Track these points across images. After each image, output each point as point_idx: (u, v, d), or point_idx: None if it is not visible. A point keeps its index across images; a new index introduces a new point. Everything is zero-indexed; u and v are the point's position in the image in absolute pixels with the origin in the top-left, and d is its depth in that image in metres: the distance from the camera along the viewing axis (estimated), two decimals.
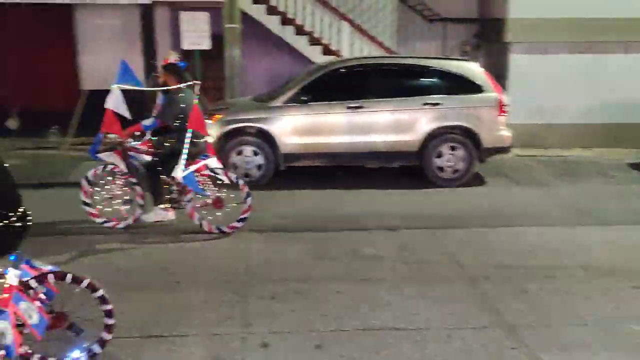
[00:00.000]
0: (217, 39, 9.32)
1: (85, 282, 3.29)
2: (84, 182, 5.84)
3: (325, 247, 5.46)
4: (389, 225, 6.09)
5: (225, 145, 7.46)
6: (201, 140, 5.75)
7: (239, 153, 7.52)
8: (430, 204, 7.02)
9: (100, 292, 3.32)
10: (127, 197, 5.90)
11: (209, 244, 5.53)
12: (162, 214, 5.85)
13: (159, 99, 6.01)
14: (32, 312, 3.08)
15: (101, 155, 5.76)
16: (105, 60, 10.38)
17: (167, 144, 5.71)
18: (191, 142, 5.45)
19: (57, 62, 10.60)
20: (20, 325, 3.08)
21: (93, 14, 10.61)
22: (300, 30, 10.30)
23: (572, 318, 4.08)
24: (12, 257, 3.19)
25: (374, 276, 4.78)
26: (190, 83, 5.70)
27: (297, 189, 7.54)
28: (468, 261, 5.12)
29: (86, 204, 5.84)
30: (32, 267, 3.33)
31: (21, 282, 3.14)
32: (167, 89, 5.86)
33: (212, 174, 5.80)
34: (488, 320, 4.05)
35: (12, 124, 10.39)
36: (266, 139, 7.51)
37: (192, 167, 5.60)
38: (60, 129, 9.93)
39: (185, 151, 5.41)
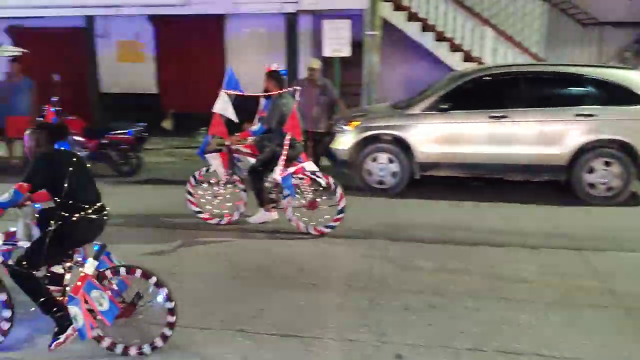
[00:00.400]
0: (357, 45, 9.45)
1: (153, 279, 3.48)
2: (191, 180, 6.32)
3: (461, 261, 5.28)
4: (530, 243, 5.74)
5: (361, 152, 7.54)
6: (298, 144, 5.95)
7: (374, 160, 7.54)
8: (577, 222, 6.50)
9: (165, 290, 3.47)
10: (230, 196, 6.30)
11: (342, 249, 5.61)
12: (267, 215, 6.11)
13: (263, 105, 6.30)
14: (102, 300, 3.38)
15: (207, 156, 6.20)
16: (251, 67, 11.01)
17: (268, 148, 6.00)
18: (290, 146, 5.68)
19: (209, 68, 11.42)
20: (92, 311, 3.36)
21: (241, 23, 11.29)
22: (440, 37, 10.11)
23: None
24: (95, 247, 3.53)
25: (515, 296, 4.53)
26: (291, 89, 5.93)
27: (432, 199, 7.39)
28: (622, 288, 4.67)
29: (191, 202, 6.34)
30: (111, 259, 3.66)
31: (97, 272, 3.44)
32: (269, 95, 6.09)
33: (312, 176, 5.96)
34: None
35: (167, 124, 11.39)
36: (402, 147, 7.45)
37: (290, 170, 5.84)
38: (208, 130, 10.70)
39: (283, 154, 5.66)
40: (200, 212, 6.36)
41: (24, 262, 3.41)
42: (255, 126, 6.17)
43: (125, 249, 5.02)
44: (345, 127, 7.68)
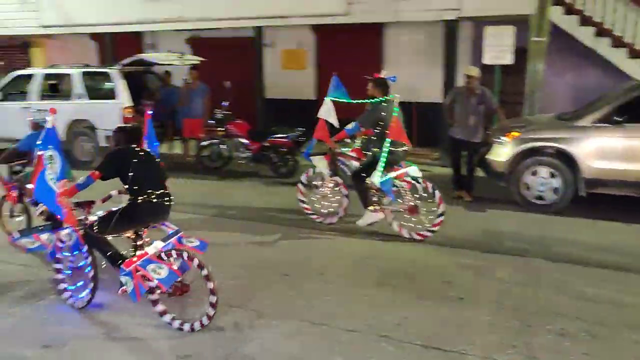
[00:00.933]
0: (519, 52, 9.00)
1: (205, 272, 3.96)
2: (299, 184, 6.77)
3: (627, 289, 4.80)
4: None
5: (519, 164, 7.17)
6: (399, 149, 5.97)
7: (534, 173, 7.12)
8: None
9: (209, 275, 3.99)
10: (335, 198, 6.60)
11: (494, 265, 5.38)
12: (373, 216, 6.10)
13: None
14: (160, 270, 3.95)
15: (313, 158, 6.58)
16: (409, 74, 11.04)
17: (370, 152, 6.11)
18: (390, 151, 5.73)
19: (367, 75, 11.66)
20: (147, 279, 3.96)
21: (400, 31, 11.35)
22: (618, 42, 9.22)
23: None
24: (170, 232, 4.31)
25: None
26: (393, 97, 5.95)
27: (598, 219, 6.77)
28: None
29: (302, 202, 6.77)
30: (180, 242, 4.23)
31: (160, 252, 4.06)
32: (372, 101, 6.15)
33: (413, 182, 6.00)
34: None
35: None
36: (566, 161, 6.94)
37: (392, 174, 5.97)
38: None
39: (383, 158, 5.74)
40: (313, 214, 6.73)
41: (95, 227, 4.27)
42: (351, 125, 6.31)
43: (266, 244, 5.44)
44: (503, 138, 7.36)
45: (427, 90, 10.89)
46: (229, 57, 12.52)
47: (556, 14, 9.19)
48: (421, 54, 11.24)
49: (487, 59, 9.20)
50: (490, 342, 3.93)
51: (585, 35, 9.34)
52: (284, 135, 8.96)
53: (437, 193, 5.97)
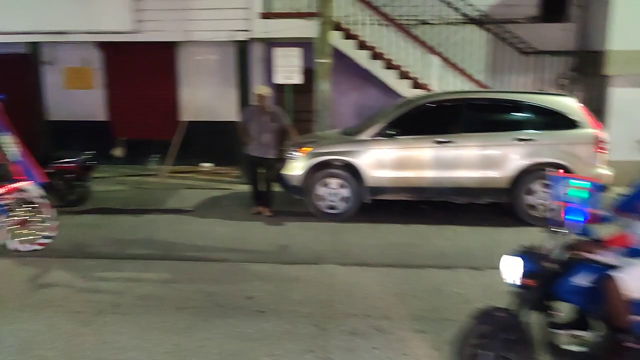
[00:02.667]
0: (308, 73, 9.60)
1: None
2: None
3: (408, 283, 5.39)
4: (475, 264, 5.91)
5: (312, 177, 7.63)
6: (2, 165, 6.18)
7: (325, 185, 7.64)
8: (519, 242, 6.72)
9: None
10: None
11: (294, 274, 5.61)
12: None
13: None
14: None
15: None
16: (204, 94, 11.03)
17: None
18: None
19: (161, 95, 11.35)
20: None
21: (193, 51, 11.31)
22: (389, 64, 10.39)
23: None
24: None
25: (459, 317, 4.63)
26: None
27: (382, 222, 7.52)
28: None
29: None
30: None
31: None
32: None
33: (24, 195, 6.21)
34: None
35: (117, 152, 11.22)
36: (352, 172, 7.59)
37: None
38: (161, 157, 10.63)
39: None
40: None
41: None
42: None
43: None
44: (296, 153, 7.76)
45: (223, 110, 10.99)
46: (3, 76, 11.17)
47: (337, 39, 10.02)
48: (216, 73, 11.33)
49: (278, 79, 9.63)
50: (290, 350, 4.08)
51: (362, 58, 10.34)
52: (71, 160, 8.25)
53: (42, 200, 6.19)
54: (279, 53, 9.62)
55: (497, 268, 5.66)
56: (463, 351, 3.35)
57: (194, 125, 10.83)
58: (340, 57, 10.21)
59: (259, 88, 7.89)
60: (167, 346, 4.13)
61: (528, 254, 3.34)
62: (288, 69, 9.59)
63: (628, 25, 9.54)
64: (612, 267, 3.16)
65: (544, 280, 3.28)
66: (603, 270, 3.15)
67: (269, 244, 6.68)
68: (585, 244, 3.28)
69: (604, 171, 7.39)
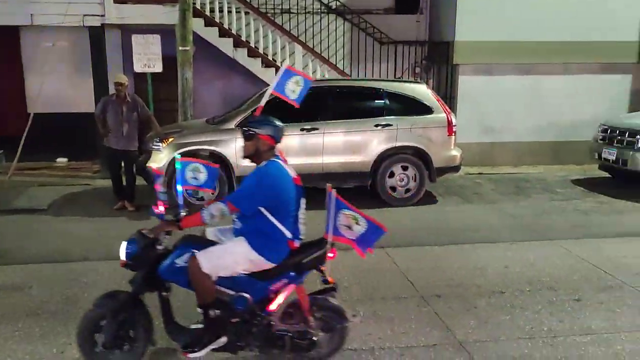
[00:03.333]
0: (170, 61, 9.27)
1: None
2: None
3: None
4: (342, 246, 6.11)
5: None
6: None
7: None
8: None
9: None
10: None
11: None
12: None
13: None
14: None
15: None
16: (55, 83, 10.19)
17: None
18: None
19: (3, 85, 10.31)
20: None
21: (39, 36, 10.39)
22: (253, 53, 10.36)
23: (519, 332, 4.19)
24: None
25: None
26: None
27: None
28: (420, 280, 5.21)
29: None
30: None
31: None
32: None
33: None
34: (439, 337, 4.12)
35: None
36: (220, 162, 7.45)
37: None
38: (5, 153, 9.64)
39: None
40: None
41: None
42: None
43: None
44: (159, 145, 7.47)
45: (77, 100, 10.29)
46: None
47: (198, 26, 9.77)
48: (68, 61, 10.54)
49: (137, 67, 9.18)
50: None
51: (226, 46, 10.20)
52: None
53: None
54: (138, 40, 9.17)
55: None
56: (84, 337, 3.44)
57: (46, 117, 9.97)
58: (203, 45, 9.99)
59: (117, 76, 7.46)
60: (21, 355, 3.79)
61: (137, 238, 3.48)
62: (148, 57, 9.18)
63: (473, 17, 10.43)
64: (203, 246, 3.42)
65: (146, 262, 3.45)
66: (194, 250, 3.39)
67: None
68: (166, 224, 3.46)
69: (455, 152, 8.02)
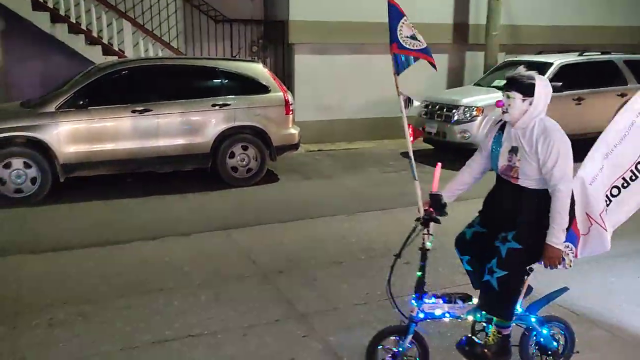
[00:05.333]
0: None
1: None
2: None
3: (112, 261, 5.11)
4: (183, 230, 5.93)
5: None
6: None
7: (7, 166, 6.65)
8: (224, 204, 7.02)
9: None
10: None
11: None
12: None
13: None
14: None
15: None
16: None
17: None
18: None
19: None
20: None
21: None
22: (75, 28, 9.47)
23: (356, 299, 4.40)
24: None
25: (167, 286, 4.61)
26: None
27: (80, 201, 6.94)
28: (262, 258, 5.23)
29: None
30: None
31: None
32: None
33: None
34: (281, 313, 4.17)
35: None
36: (39, 149, 6.76)
37: None
38: None
39: None
40: None
41: None
42: None
43: None
44: None
45: None
46: None
47: None
48: None
49: None
50: None
51: (41, 21, 9.20)
52: None
53: None
54: None
55: (206, 231, 5.87)
56: None
57: None
58: (14, 19, 8.89)
59: None
60: None
61: None
62: None
63: None
64: None
65: None
66: None
67: None
68: None
69: (294, 130, 8.15)
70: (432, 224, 3.05)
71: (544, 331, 3.24)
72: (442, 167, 3.12)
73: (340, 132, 11.24)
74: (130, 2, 10.30)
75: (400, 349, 3.10)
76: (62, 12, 9.41)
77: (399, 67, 3.68)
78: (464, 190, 3.35)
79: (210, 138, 7.53)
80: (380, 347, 3.14)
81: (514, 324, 3.22)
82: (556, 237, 2.93)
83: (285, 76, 10.93)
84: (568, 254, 3.23)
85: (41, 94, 8.22)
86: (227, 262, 5.14)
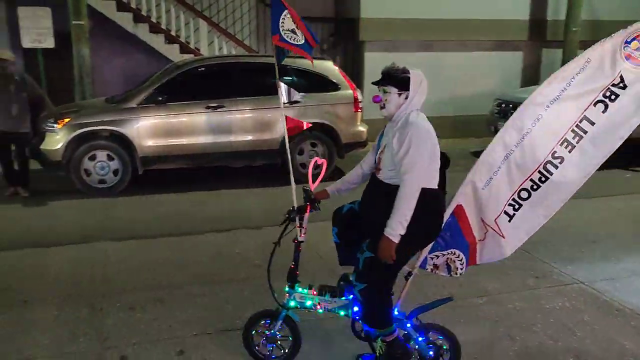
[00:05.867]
0: (63, 36, 8.68)
1: None
2: None
3: (187, 250, 5.35)
4: (253, 224, 6.12)
5: (75, 150, 7.01)
6: None
7: (92, 158, 7.09)
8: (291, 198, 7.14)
9: None
10: None
11: (58, 257, 5.15)
12: None
13: None
14: None
15: None
16: None
17: None
18: None
19: None
20: None
21: None
22: (155, 28, 9.94)
23: None
24: None
25: (238, 277, 4.78)
26: None
27: (158, 193, 7.30)
28: (329, 253, 5.28)
29: None
30: None
31: None
32: None
33: None
34: None
35: None
36: (122, 142, 7.16)
37: None
38: None
39: None
40: None
41: None
42: None
43: None
44: (54, 126, 7.02)
45: None
46: None
47: None
48: None
49: (25, 42, 8.53)
50: (59, 337, 3.76)
51: (125, 21, 9.71)
52: None
53: None
54: (25, 13, 8.51)
55: (276, 225, 6.01)
56: None
57: None
58: (102, 19, 9.44)
59: (1, 52, 6.88)
60: None
61: None
62: (37, 31, 8.56)
63: None
64: None
65: None
66: None
67: (29, 227, 6.01)
68: None
69: (362, 128, 8.19)
70: (306, 217, 3.20)
71: (420, 338, 3.12)
72: None
73: None
74: (207, 2, 10.67)
75: (272, 332, 3.31)
76: (144, 13, 9.88)
77: (280, 58, 3.77)
78: (349, 188, 3.38)
79: (280, 135, 7.70)
80: (254, 331, 3.38)
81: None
82: (391, 227, 2.76)
83: (355, 73, 10.98)
84: (454, 261, 3.14)
85: (124, 89, 8.71)
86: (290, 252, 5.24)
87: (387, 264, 2.83)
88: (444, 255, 3.18)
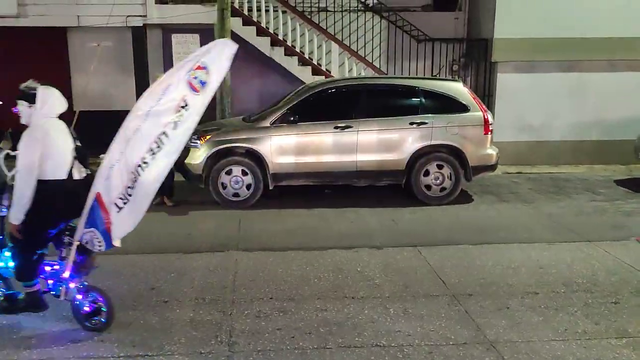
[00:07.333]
0: None
1: None
2: None
3: (311, 265, 5.53)
4: (375, 243, 6.17)
5: (214, 165, 7.57)
6: None
7: (228, 173, 7.61)
8: (416, 221, 7.11)
9: None
10: None
11: (196, 263, 5.58)
12: None
13: None
14: None
15: None
16: (98, 82, 10.54)
17: None
18: None
19: (50, 83, 10.71)
20: None
21: (85, 36, 10.75)
22: (289, 51, 10.46)
23: (553, 333, 4.14)
24: None
25: (358, 294, 4.85)
26: None
27: (286, 207, 7.63)
28: (451, 278, 5.20)
29: None
30: None
31: None
32: None
33: None
34: (468, 336, 4.11)
35: (4, 144, 10.45)
36: (255, 159, 7.61)
37: None
38: None
39: None
40: None
41: None
42: None
43: None
44: (197, 142, 7.65)
45: (121, 98, 10.58)
46: None
47: (236, 25, 9.94)
48: (112, 60, 10.86)
49: None
50: (194, 337, 4.08)
51: (263, 45, 10.34)
52: None
53: None
54: (178, 39, 9.42)
55: (397, 245, 6.03)
56: None
57: (89, 115, 10.31)
58: (241, 43, 10.05)
59: (157, 75, 7.66)
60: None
61: None
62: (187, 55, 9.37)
63: (512, 15, 10.27)
64: None
65: None
66: None
67: (172, 234, 6.57)
68: None
69: (492, 151, 7.93)
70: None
71: (79, 297, 4.02)
72: None
73: (543, 155, 10.61)
74: (340, 25, 11.02)
75: None
76: (280, 37, 10.46)
77: None
78: None
79: (406, 155, 7.70)
80: None
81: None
82: (12, 213, 3.79)
83: (486, 95, 10.68)
84: (93, 239, 3.86)
85: (259, 108, 9.25)
86: (416, 278, 5.22)
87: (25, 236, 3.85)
88: (91, 232, 3.86)
